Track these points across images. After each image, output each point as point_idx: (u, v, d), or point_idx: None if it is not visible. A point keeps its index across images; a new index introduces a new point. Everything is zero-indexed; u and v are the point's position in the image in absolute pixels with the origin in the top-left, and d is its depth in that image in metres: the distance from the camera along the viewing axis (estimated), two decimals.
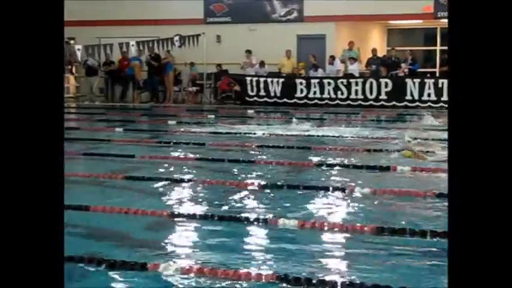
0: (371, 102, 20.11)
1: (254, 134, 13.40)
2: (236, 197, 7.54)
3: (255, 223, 6.44)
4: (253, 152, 10.96)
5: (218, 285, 4.74)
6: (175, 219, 6.66)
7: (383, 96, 20.03)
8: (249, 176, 8.82)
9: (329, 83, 20.51)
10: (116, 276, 4.95)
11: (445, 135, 10.75)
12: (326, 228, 6.15)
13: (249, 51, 21.90)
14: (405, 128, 14.37)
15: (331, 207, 7.08)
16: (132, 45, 20.39)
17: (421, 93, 19.80)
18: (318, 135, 13.03)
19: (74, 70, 24.82)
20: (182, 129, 14.22)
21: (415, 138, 11.84)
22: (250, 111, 19.01)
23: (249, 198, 7.51)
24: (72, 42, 23.24)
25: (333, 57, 21.62)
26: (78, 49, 18.92)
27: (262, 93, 21.04)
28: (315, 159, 10.06)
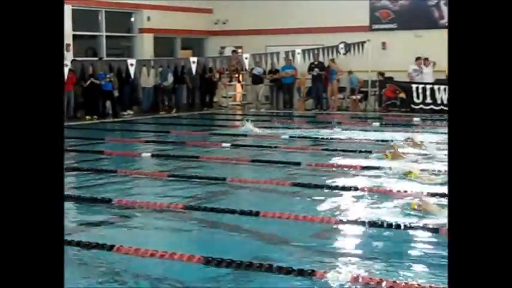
0: None
1: (421, 142, 13.08)
2: (404, 205, 7.41)
3: (424, 231, 6.30)
4: (419, 160, 10.72)
5: None
6: (343, 226, 6.66)
7: None
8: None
9: None
10: (283, 282, 5.03)
11: None
12: None
13: (419, 58, 21.38)
14: None
15: None
16: (298, 53, 20.59)
17: None
18: None
19: (241, 78, 25.53)
20: (347, 137, 14.17)
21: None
22: (415, 119, 18.61)
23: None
24: (239, 51, 23.93)
25: None
26: (246, 58, 19.36)
27: (428, 100, 20.52)
28: None
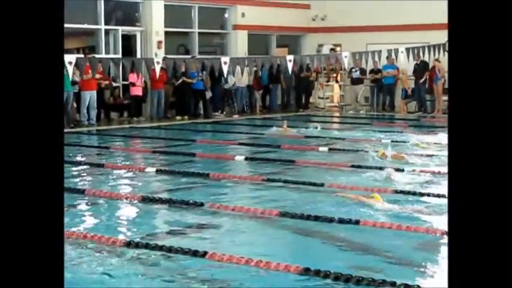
0: None
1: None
2: None
3: None
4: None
5: None
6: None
7: None
8: None
9: None
10: None
11: None
12: None
13: None
14: None
15: None
16: (401, 51, 20.32)
17: None
18: None
19: (339, 78, 25.40)
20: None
21: None
22: None
23: None
24: (338, 49, 23.84)
25: None
26: (345, 56, 19.28)
27: None
28: None
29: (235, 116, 21.16)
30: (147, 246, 6.25)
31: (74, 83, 17.41)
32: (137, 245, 6.29)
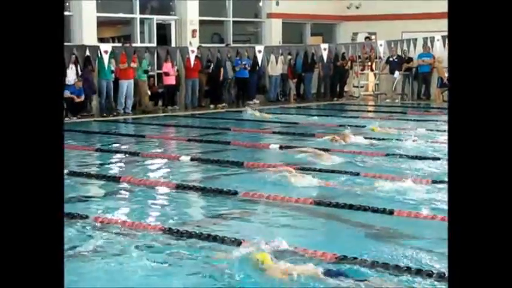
0: None
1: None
2: None
3: None
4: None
5: None
6: None
7: None
8: None
9: None
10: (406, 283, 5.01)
11: None
12: None
13: None
14: None
15: None
16: (438, 40, 20.12)
17: None
18: None
19: (374, 67, 25.20)
20: None
21: None
22: None
23: None
24: (373, 37, 23.67)
25: None
26: (381, 44, 19.15)
27: None
28: None
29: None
30: (182, 233, 6.29)
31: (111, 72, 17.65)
32: (174, 232, 6.33)
